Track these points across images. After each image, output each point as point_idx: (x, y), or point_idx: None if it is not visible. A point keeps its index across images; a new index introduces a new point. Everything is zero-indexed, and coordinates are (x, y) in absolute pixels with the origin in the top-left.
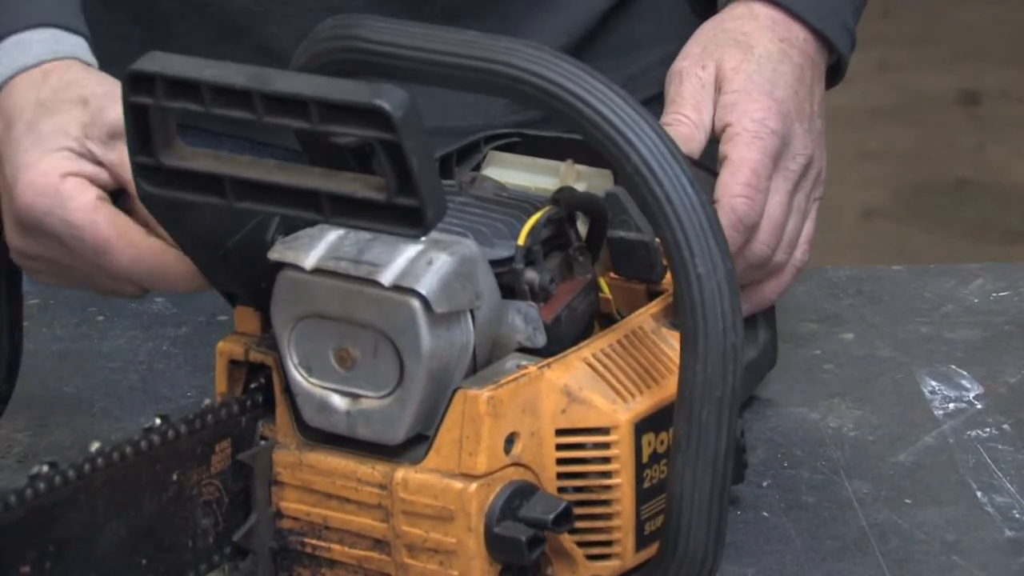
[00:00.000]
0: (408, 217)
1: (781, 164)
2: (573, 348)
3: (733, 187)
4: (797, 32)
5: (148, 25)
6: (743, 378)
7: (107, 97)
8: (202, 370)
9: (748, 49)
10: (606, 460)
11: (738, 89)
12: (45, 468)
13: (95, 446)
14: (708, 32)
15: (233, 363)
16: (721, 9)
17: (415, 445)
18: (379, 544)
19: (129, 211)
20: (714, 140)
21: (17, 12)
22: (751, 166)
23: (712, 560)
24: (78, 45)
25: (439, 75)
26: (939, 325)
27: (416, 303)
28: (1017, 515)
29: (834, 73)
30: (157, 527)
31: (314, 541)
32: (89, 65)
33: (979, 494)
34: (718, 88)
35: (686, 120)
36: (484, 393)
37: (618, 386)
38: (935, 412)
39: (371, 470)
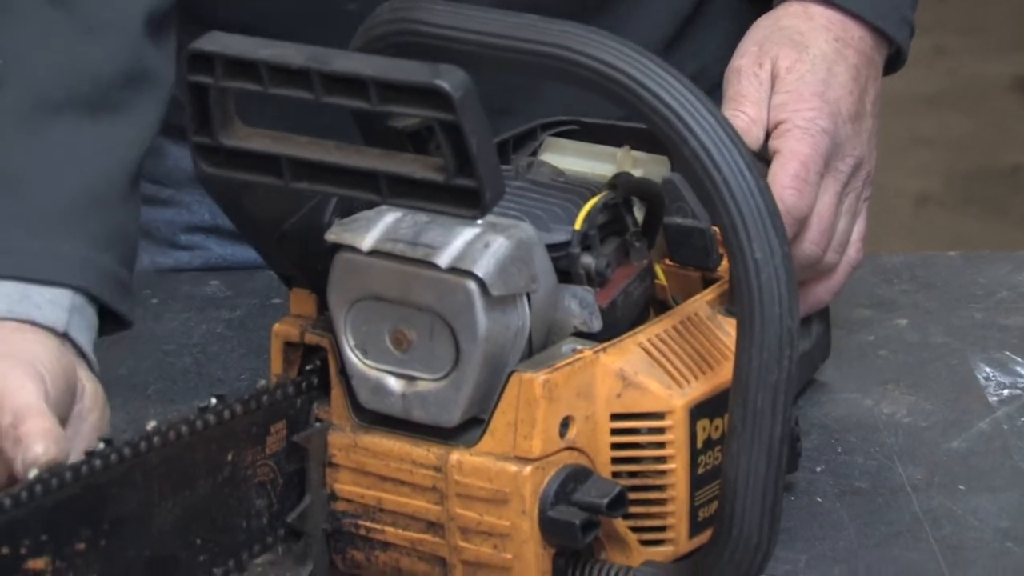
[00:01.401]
0: (466, 198)
1: (831, 164)
2: (628, 333)
3: (782, 178)
4: (853, 31)
5: None
6: (797, 367)
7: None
8: (256, 353)
9: (803, 49)
10: (661, 445)
11: (790, 89)
12: (101, 446)
13: (151, 425)
14: (764, 30)
15: (288, 345)
16: (776, 5)
17: (470, 428)
18: (433, 527)
19: None
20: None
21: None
22: (801, 159)
23: (766, 545)
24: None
25: (498, 59)
26: (993, 311)
27: (473, 285)
28: None
29: (893, 60)
30: (211, 507)
31: (368, 523)
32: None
33: None
34: (772, 87)
35: (744, 115)
36: (539, 376)
37: (673, 371)
38: (989, 398)
39: (426, 452)
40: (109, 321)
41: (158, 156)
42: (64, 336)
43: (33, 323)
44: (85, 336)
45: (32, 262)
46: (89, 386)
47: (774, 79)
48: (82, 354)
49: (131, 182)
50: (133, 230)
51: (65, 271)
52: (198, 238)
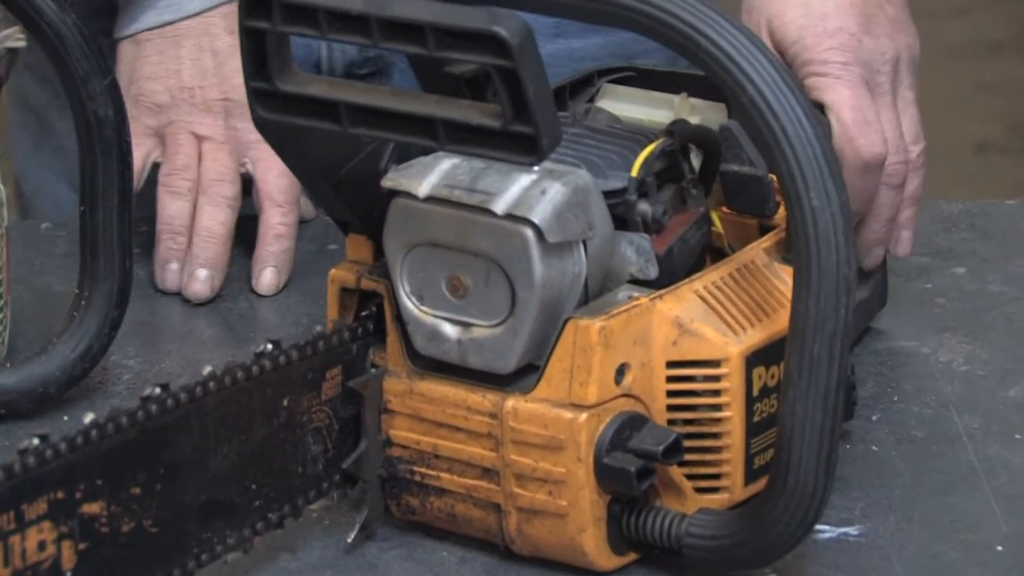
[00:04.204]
0: (523, 145)
1: (872, 81)
2: (685, 280)
3: (850, 131)
4: None
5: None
6: (854, 315)
7: None
8: (312, 299)
9: None
10: (717, 393)
11: (795, 40)
12: (157, 390)
13: (207, 370)
14: None
15: (345, 291)
16: None
17: (526, 375)
18: (488, 473)
19: None
20: None
21: None
22: (850, 104)
23: (822, 493)
24: None
25: (554, 4)
26: None
27: (529, 232)
28: None
29: None
30: (267, 452)
31: (423, 469)
32: None
33: None
34: (778, 48)
35: None
36: (596, 323)
37: (729, 319)
38: None
39: (481, 399)
40: None
41: None
42: None
43: None
44: None
45: None
46: None
47: (777, 42)
48: None
49: None
50: None
51: None
52: None
